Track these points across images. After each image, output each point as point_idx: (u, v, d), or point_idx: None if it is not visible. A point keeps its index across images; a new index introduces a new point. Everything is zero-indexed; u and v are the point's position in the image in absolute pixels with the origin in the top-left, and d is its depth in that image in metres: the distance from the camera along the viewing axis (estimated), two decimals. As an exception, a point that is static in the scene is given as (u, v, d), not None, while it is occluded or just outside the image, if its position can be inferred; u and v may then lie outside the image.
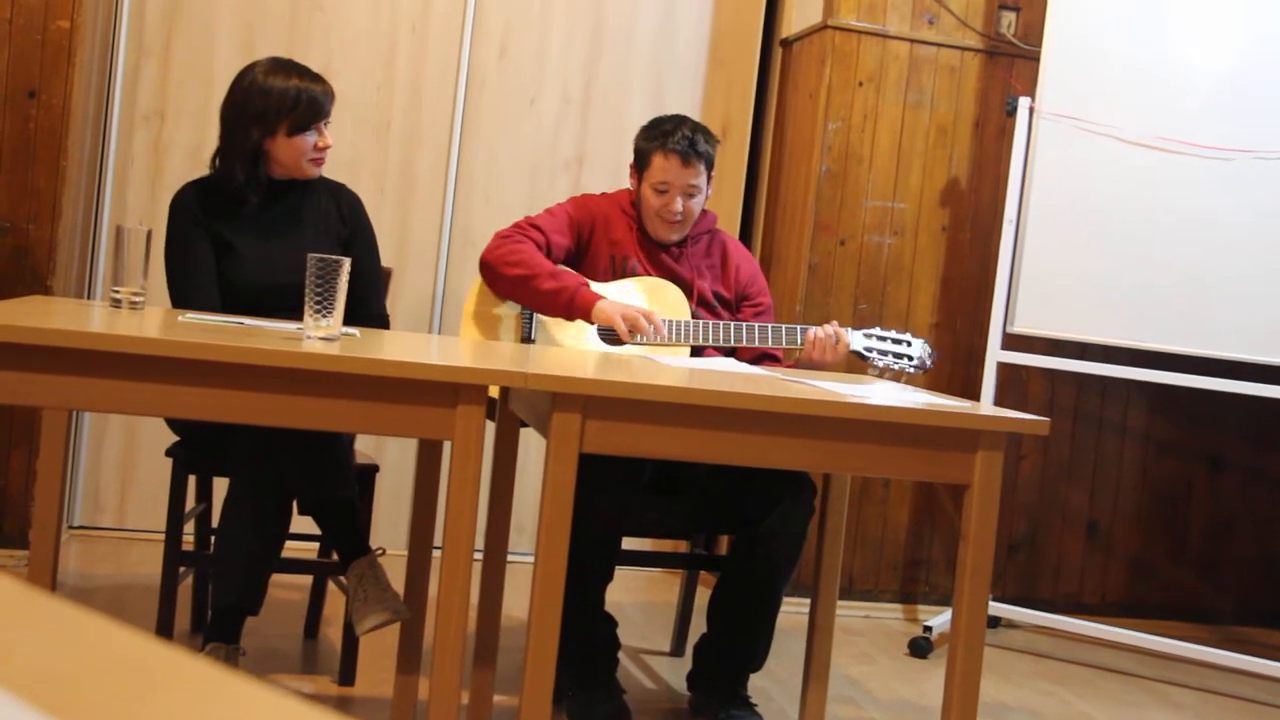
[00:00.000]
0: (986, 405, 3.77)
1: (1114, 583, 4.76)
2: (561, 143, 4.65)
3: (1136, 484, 4.74)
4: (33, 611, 0.66)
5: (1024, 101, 4.09)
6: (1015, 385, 4.54)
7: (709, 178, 3.35)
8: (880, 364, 3.27)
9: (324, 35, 4.43)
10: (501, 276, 3.21)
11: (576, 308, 3.14)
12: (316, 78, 3.10)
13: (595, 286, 3.28)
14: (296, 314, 2.95)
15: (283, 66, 3.09)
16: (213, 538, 3.29)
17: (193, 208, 3.07)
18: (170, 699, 0.58)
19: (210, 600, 2.99)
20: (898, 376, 3.31)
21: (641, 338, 3.12)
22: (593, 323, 3.16)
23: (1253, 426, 4.79)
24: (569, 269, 3.27)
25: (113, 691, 0.57)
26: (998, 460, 2.45)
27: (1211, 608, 4.84)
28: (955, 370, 4.51)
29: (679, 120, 3.36)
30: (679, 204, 3.29)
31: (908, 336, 3.33)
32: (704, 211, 3.46)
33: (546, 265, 3.18)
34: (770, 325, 3.27)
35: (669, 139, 3.29)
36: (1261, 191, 3.86)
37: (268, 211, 3.12)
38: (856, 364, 3.49)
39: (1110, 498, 4.72)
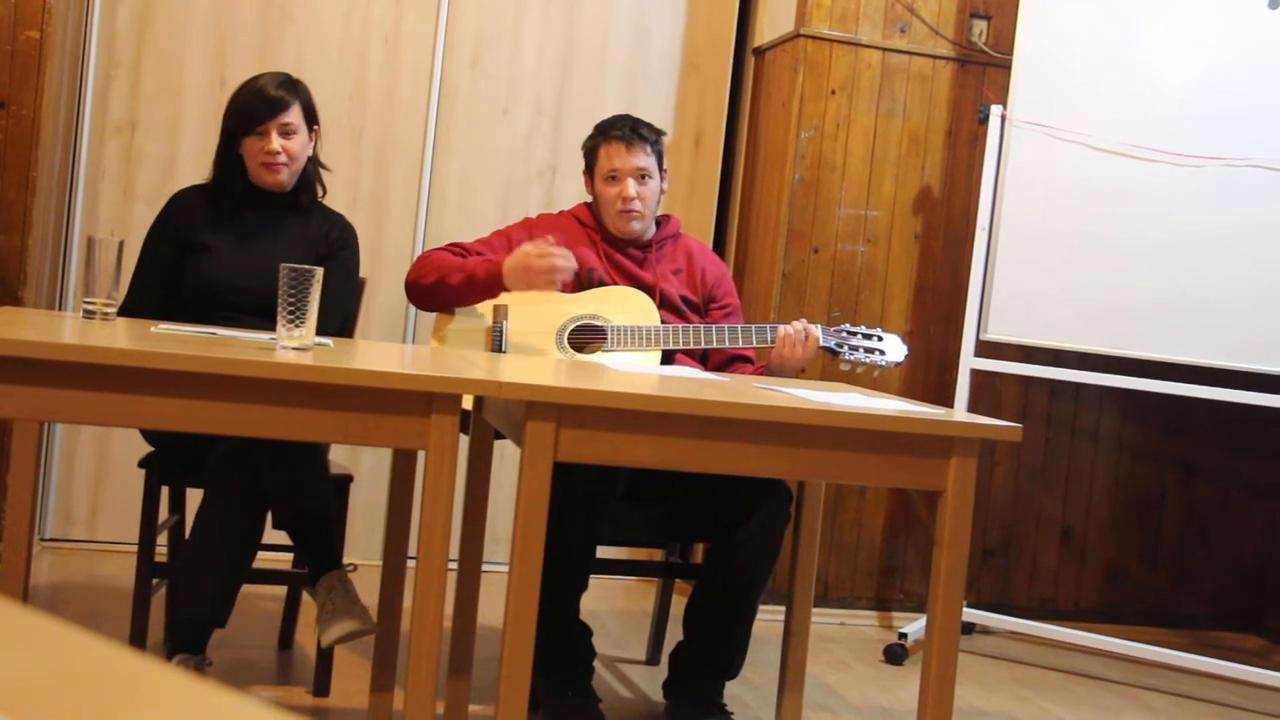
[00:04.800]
0: (960, 412, 3.79)
1: (1088, 588, 4.78)
2: (534, 153, 4.65)
3: (1110, 490, 4.76)
4: (5, 622, 0.66)
5: (996, 109, 4.11)
6: (989, 392, 4.56)
7: (661, 169, 3.41)
8: (851, 358, 3.27)
9: (295, 46, 4.42)
10: (421, 289, 3.27)
11: (492, 282, 3.17)
12: (281, 83, 3.12)
13: (564, 298, 3.29)
14: (256, 317, 2.97)
15: (264, 73, 3.18)
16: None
17: (182, 207, 3.17)
18: (146, 708, 0.57)
19: (171, 610, 2.96)
20: (870, 371, 3.31)
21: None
22: (509, 288, 3.17)
23: (1225, 432, 4.82)
24: (479, 255, 3.28)
25: (88, 702, 0.57)
26: (971, 467, 2.46)
27: (1185, 612, 4.86)
28: (929, 377, 4.53)
29: (618, 115, 3.48)
30: (632, 188, 3.33)
31: (878, 331, 3.33)
32: (666, 216, 3.49)
33: (454, 262, 3.24)
34: (740, 325, 3.27)
35: (609, 129, 3.41)
36: (1231, 198, 3.89)
37: (252, 218, 3.17)
38: (830, 363, 3.49)
39: (1084, 503, 4.74)
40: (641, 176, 3.35)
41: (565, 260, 3.10)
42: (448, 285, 3.22)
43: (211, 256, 3.10)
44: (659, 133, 3.44)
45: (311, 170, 3.24)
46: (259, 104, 3.09)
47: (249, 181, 3.16)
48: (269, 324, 2.73)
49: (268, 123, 3.08)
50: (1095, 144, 3.98)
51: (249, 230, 3.16)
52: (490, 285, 3.17)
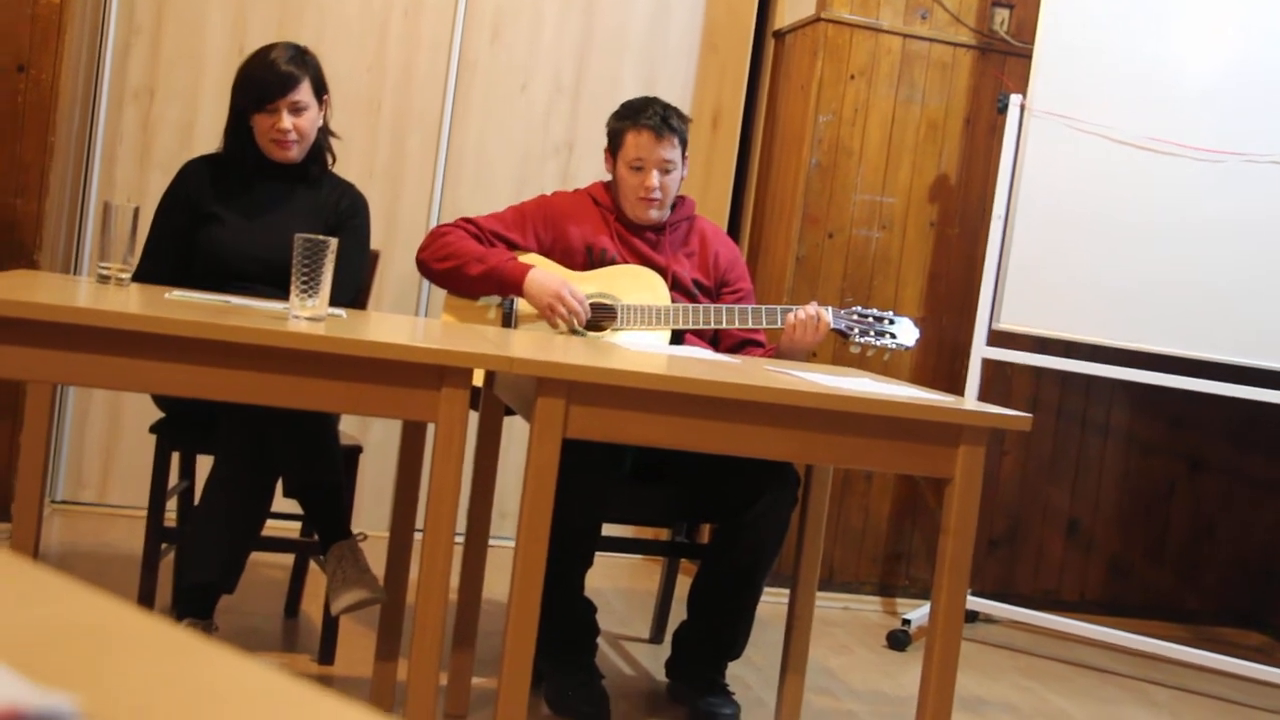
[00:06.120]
0: (970, 400, 3.79)
1: (1093, 580, 4.78)
2: (552, 128, 4.64)
3: (1118, 483, 4.76)
4: (16, 578, 0.67)
5: (1015, 99, 4.09)
6: (999, 381, 4.56)
7: (684, 157, 3.39)
8: (861, 341, 3.26)
9: (316, 15, 4.42)
10: (434, 272, 3.30)
11: (509, 285, 3.21)
12: (291, 58, 3.10)
13: (575, 276, 3.28)
14: (268, 288, 2.97)
15: (275, 45, 3.14)
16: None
17: (194, 176, 3.16)
18: (151, 665, 0.58)
19: (179, 574, 2.96)
20: (880, 354, 3.30)
21: (570, 325, 3.19)
22: (524, 298, 3.21)
23: (1234, 428, 4.81)
24: (500, 247, 3.29)
25: (94, 657, 0.58)
26: (980, 455, 2.47)
27: (1189, 607, 4.86)
28: (940, 365, 4.52)
29: (649, 100, 3.42)
30: (655, 179, 3.31)
31: (890, 314, 3.32)
32: (682, 198, 3.48)
33: (474, 250, 3.25)
34: (750, 307, 3.26)
35: (640, 115, 3.35)
36: (1250, 194, 3.87)
37: (263, 190, 3.17)
38: (840, 345, 3.48)
39: (1091, 496, 4.74)
40: (666, 169, 3.34)
41: (580, 318, 3.18)
42: (465, 275, 3.22)
43: (223, 227, 3.10)
44: (687, 121, 3.42)
45: (322, 140, 3.23)
46: (270, 80, 3.07)
47: (259, 152, 3.16)
48: (281, 293, 2.74)
49: (278, 101, 3.07)
50: (1114, 136, 3.97)
51: (259, 201, 3.15)
52: (508, 288, 3.22)
